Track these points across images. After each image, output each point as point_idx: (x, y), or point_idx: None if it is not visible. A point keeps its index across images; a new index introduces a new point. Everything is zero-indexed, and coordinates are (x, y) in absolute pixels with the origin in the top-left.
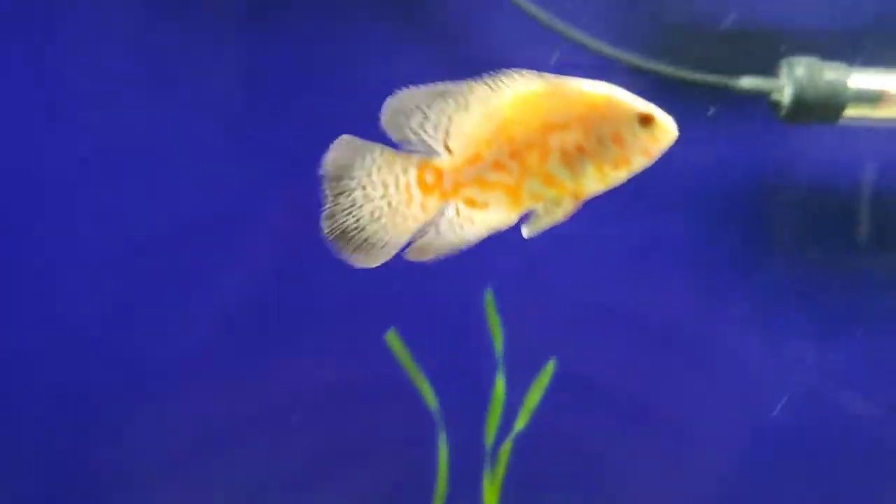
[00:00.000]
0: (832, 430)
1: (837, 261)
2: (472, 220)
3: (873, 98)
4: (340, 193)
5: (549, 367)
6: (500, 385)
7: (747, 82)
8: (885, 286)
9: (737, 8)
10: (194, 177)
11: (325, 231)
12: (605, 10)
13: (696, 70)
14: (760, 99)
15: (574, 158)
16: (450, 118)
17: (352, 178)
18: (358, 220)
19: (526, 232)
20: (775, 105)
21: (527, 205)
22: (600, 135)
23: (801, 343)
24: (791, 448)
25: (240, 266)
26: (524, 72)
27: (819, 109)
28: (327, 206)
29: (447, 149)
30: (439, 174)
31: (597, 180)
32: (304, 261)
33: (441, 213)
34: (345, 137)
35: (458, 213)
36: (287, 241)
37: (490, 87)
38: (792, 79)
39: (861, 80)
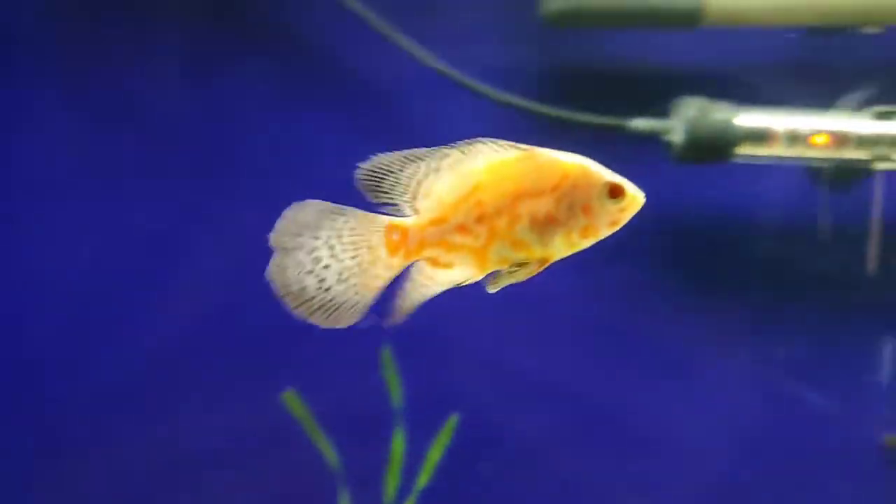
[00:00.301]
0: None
1: (734, 300)
2: (435, 280)
3: (761, 136)
4: (299, 251)
5: (451, 423)
6: (398, 441)
7: (640, 123)
8: (778, 317)
9: (630, 51)
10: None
11: (278, 290)
12: (501, 53)
13: (588, 112)
14: (655, 139)
15: (543, 226)
16: (419, 182)
17: (317, 238)
18: (321, 280)
19: (490, 288)
20: (669, 145)
21: (493, 267)
22: (571, 204)
23: (709, 391)
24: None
25: (143, 328)
26: (500, 141)
27: (711, 149)
28: (280, 265)
29: (415, 210)
30: (405, 233)
31: (565, 246)
32: (205, 321)
33: (407, 273)
34: (310, 202)
35: (421, 272)
36: (189, 304)
37: (463, 153)
38: (683, 119)
39: (749, 119)
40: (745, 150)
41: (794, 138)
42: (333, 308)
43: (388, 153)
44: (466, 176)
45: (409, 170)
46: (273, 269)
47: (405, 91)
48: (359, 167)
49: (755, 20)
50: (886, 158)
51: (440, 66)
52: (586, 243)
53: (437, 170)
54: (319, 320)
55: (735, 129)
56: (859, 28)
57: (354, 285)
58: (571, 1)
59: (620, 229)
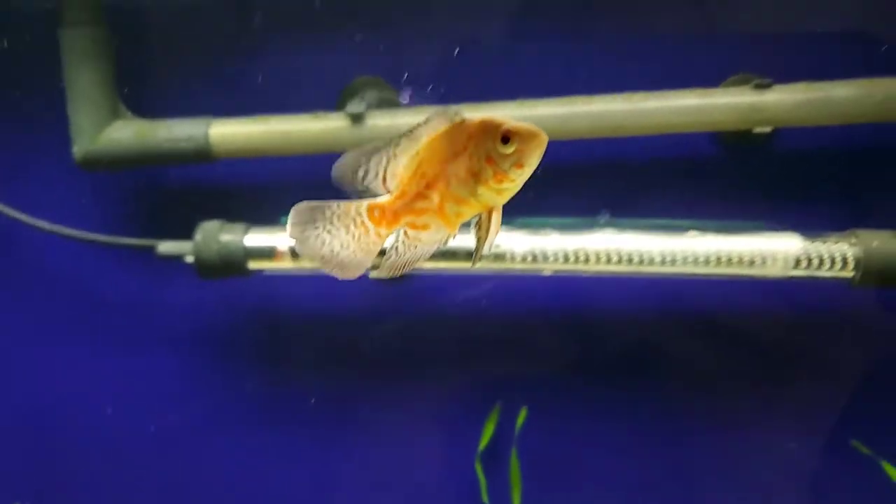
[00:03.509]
0: None
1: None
2: (420, 239)
3: (268, 253)
4: (308, 238)
5: None
6: None
7: (165, 246)
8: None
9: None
10: None
11: (308, 260)
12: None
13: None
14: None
15: (469, 181)
16: (384, 168)
17: (316, 227)
18: (332, 251)
19: (474, 264)
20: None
21: (456, 221)
22: (478, 157)
23: None
24: None
25: None
26: (443, 111)
27: (222, 266)
28: (302, 248)
29: (387, 190)
30: (382, 209)
31: (492, 194)
32: None
33: (396, 238)
34: (303, 202)
35: (406, 235)
36: None
37: (410, 136)
38: (194, 242)
39: (256, 238)
40: (258, 265)
41: (296, 253)
42: (345, 266)
43: (353, 150)
44: (413, 155)
45: (374, 160)
46: (299, 251)
47: None
48: (333, 167)
49: (263, 152)
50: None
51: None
52: (508, 187)
53: (395, 156)
54: (339, 274)
55: (242, 248)
56: None
57: (355, 251)
58: (93, 148)
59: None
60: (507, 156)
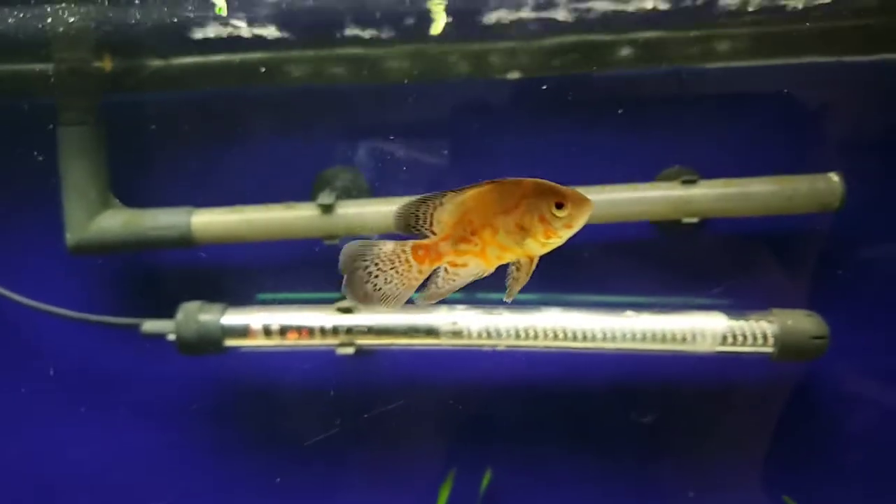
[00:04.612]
0: None
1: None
2: (458, 274)
3: (242, 331)
4: (357, 270)
5: None
6: None
7: (149, 325)
8: None
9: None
10: None
11: (351, 297)
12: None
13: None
14: None
15: (517, 233)
16: (432, 214)
17: (365, 261)
18: (376, 286)
19: (507, 298)
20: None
21: (495, 263)
22: (531, 215)
23: None
24: None
25: None
26: (483, 182)
27: (201, 344)
28: (349, 282)
29: (432, 233)
30: (427, 249)
31: (537, 247)
32: None
33: (436, 273)
34: (358, 241)
35: (446, 271)
36: None
37: (455, 191)
38: (175, 321)
39: (232, 318)
40: (234, 343)
41: (269, 332)
42: (387, 300)
43: (408, 198)
44: (459, 205)
45: (423, 207)
46: (345, 286)
47: None
48: (394, 214)
49: (241, 239)
50: (348, 344)
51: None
52: (554, 242)
53: (442, 204)
54: (380, 308)
55: (219, 327)
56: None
57: (397, 285)
58: (85, 237)
59: None
60: (560, 218)
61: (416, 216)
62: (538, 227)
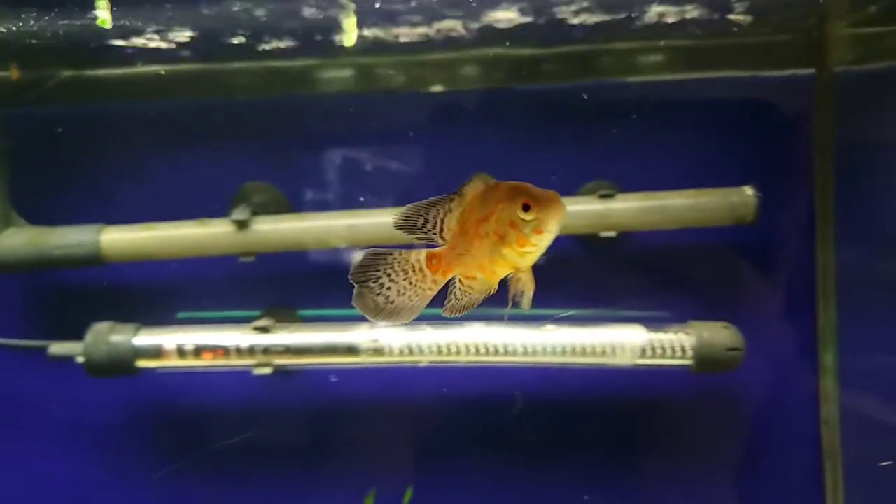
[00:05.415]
0: None
1: None
2: (472, 288)
3: (155, 352)
4: (368, 282)
5: None
6: None
7: (56, 348)
8: None
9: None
10: None
11: (362, 309)
12: None
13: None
14: None
15: (498, 242)
16: (441, 220)
17: (377, 271)
18: (387, 298)
19: (525, 306)
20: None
21: (493, 277)
22: (504, 222)
23: None
24: None
25: None
26: (483, 176)
27: (111, 365)
28: (359, 294)
29: (441, 238)
30: (440, 258)
31: (516, 257)
32: None
33: (451, 284)
34: (370, 249)
35: (461, 282)
36: None
37: (459, 194)
38: (84, 343)
39: (144, 339)
40: (147, 364)
41: (184, 353)
42: (399, 312)
43: (415, 203)
44: (459, 211)
45: (433, 213)
46: (355, 298)
47: None
48: (396, 217)
49: (152, 256)
50: (266, 365)
51: None
52: (531, 251)
53: (450, 210)
54: (390, 322)
55: (130, 348)
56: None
57: (410, 297)
58: None
59: None
60: (528, 222)
61: (425, 220)
62: (511, 234)
